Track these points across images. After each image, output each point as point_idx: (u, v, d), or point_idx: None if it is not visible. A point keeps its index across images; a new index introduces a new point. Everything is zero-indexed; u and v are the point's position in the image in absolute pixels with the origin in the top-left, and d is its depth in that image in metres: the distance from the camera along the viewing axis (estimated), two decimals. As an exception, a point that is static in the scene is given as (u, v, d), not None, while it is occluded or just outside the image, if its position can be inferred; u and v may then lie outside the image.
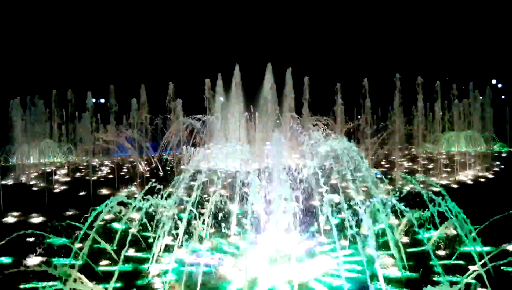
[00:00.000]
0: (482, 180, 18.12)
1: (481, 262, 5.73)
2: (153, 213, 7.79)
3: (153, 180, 7.16)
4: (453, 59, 61.95)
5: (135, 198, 7.15)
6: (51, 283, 5.06)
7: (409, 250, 7.59)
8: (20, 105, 23.63)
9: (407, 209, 6.20)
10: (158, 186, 7.40)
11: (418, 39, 63.53)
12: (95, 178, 19.62)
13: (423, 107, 23.47)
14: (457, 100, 24.33)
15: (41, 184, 17.78)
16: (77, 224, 6.98)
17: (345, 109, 27.40)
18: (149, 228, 8.48)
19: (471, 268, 6.11)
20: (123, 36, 61.56)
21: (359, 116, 34.88)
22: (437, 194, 6.79)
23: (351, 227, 6.01)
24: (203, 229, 7.16)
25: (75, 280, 5.03)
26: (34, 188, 17.79)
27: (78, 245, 6.85)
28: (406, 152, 30.39)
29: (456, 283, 5.40)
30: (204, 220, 6.99)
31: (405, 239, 8.34)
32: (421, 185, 7.27)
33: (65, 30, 59.55)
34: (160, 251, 7.40)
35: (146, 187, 7.30)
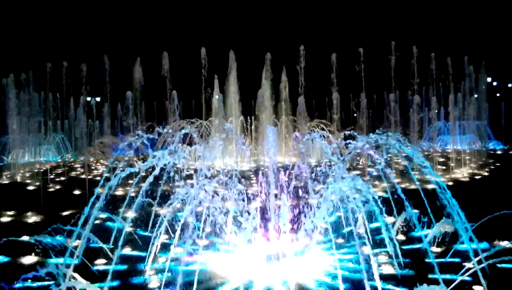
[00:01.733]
0: (478, 177, 18.21)
1: (477, 259, 5.75)
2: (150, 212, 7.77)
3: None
4: (448, 56, 62.09)
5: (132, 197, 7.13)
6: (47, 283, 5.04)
7: (404, 247, 7.62)
8: (13, 84, 23.18)
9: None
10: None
11: (414, 37, 63.62)
12: (90, 177, 19.55)
13: (419, 102, 23.55)
14: (453, 95, 24.38)
15: (37, 183, 17.71)
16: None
17: (341, 102, 27.45)
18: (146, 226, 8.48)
19: (466, 265, 6.15)
20: (119, 30, 61.15)
21: (355, 114, 34.99)
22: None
23: (347, 225, 6.01)
24: (200, 228, 7.16)
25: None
26: (29, 187, 17.71)
27: (73, 244, 6.82)
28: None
29: (451, 281, 5.43)
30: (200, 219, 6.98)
31: (401, 237, 8.37)
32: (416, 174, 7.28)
33: (59, 21, 59.16)
34: (156, 250, 7.38)
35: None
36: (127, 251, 7.93)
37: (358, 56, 23.48)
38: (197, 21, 66.85)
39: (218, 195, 6.97)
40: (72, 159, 29.70)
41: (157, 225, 7.02)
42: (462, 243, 6.94)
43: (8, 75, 23.21)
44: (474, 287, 5.79)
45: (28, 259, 7.51)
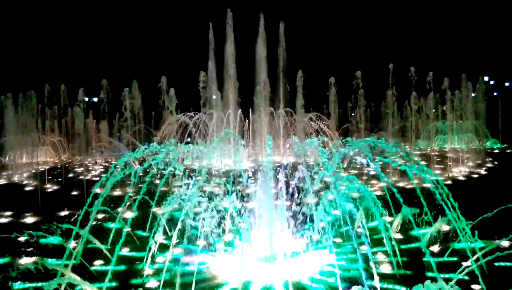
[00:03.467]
0: (475, 176, 18.25)
1: (474, 258, 5.77)
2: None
3: None
4: (445, 56, 62.30)
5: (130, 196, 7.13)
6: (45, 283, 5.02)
7: (402, 246, 7.63)
8: (12, 101, 23.33)
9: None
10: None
11: (412, 36, 63.77)
12: (88, 177, 19.51)
13: (417, 98, 23.60)
14: (450, 93, 24.36)
15: (34, 184, 17.66)
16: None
17: (338, 102, 27.48)
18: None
19: (464, 264, 6.16)
20: (112, 25, 60.99)
21: (352, 113, 35.00)
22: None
23: (345, 224, 6.02)
24: (198, 228, 7.16)
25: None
26: (26, 188, 17.65)
27: (72, 244, 6.82)
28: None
29: (449, 280, 5.44)
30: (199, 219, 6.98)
31: (399, 236, 8.38)
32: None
33: (57, 27, 59.15)
34: (154, 250, 7.37)
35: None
36: (126, 251, 7.92)
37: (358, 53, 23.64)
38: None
39: (216, 195, 6.98)
40: (70, 160, 29.62)
41: (155, 226, 7.01)
42: (460, 241, 6.97)
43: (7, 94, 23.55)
44: (472, 285, 5.81)
45: (26, 260, 7.49)
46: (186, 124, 26.00)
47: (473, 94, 26.69)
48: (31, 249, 7.52)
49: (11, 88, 24.99)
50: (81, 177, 17.65)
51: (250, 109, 28.18)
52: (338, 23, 64.30)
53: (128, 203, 7.49)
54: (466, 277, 5.75)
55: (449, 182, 16.22)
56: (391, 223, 8.25)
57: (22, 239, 8.06)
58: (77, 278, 5.26)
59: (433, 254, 7.18)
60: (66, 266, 5.56)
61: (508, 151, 32.62)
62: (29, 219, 11.01)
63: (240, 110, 28.08)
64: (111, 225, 9.04)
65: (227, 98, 27.07)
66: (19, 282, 6.19)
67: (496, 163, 23.38)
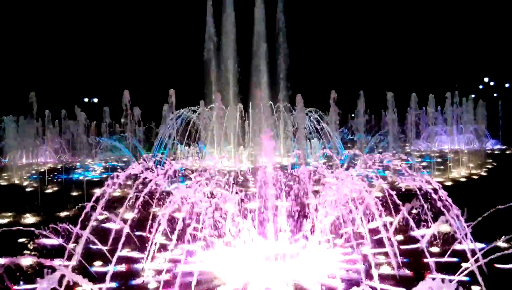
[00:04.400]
0: (475, 177, 18.24)
1: (474, 259, 5.77)
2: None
3: None
4: (446, 56, 62.35)
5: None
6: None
7: (402, 247, 7.62)
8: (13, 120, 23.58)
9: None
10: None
11: (413, 36, 63.75)
12: (88, 178, 19.49)
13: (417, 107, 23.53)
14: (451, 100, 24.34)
15: (34, 185, 17.66)
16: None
17: (339, 102, 27.49)
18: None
19: (464, 265, 6.16)
20: (112, 21, 60.91)
21: (352, 114, 34.95)
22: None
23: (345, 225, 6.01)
24: (198, 229, 7.15)
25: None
26: (27, 189, 17.65)
27: (71, 245, 6.81)
28: (400, 150, 30.50)
29: (449, 280, 5.43)
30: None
31: (399, 236, 8.37)
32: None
33: (56, 30, 59.24)
34: (154, 251, 7.36)
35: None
36: (125, 252, 7.90)
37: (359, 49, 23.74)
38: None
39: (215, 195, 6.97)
40: (69, 160, 29.59)
41: (155, 226, 7.00)
42: (460, 242, 6.96)
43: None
44: (472, 287, 5.80)
45: (26, 261, 7.47)
46: (188, 121, 25.92)
47: (473, 96, 26.66)
48: (31, 249, 7.51)
49: (12, 90, 25.10)
50: (80, 178, 17.64)
51: (250, 103, 28.09)
52: (338, 32, 63.94)
53: (128, 204, 7.48)
54: (467, 278, 5.74)
55: (449, 183, 16.22)
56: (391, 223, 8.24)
57: (22, 239, 8.05)
58: (78, 277, 5.26)
59: (433, 255, 7.17)
60: (66, 266, 5.55)
61: (508, 152, 32.62)
62: (29, 220, 11.01)
63: (240, 104, 28.04)
64: (111, 225, 9.03)
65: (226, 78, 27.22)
66: (19, 282, 6.19)
67: (496, 164, 23.38)
